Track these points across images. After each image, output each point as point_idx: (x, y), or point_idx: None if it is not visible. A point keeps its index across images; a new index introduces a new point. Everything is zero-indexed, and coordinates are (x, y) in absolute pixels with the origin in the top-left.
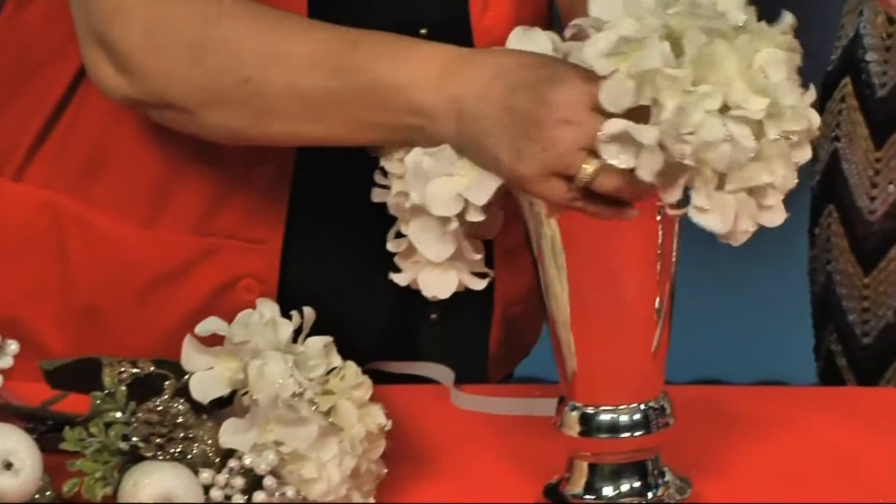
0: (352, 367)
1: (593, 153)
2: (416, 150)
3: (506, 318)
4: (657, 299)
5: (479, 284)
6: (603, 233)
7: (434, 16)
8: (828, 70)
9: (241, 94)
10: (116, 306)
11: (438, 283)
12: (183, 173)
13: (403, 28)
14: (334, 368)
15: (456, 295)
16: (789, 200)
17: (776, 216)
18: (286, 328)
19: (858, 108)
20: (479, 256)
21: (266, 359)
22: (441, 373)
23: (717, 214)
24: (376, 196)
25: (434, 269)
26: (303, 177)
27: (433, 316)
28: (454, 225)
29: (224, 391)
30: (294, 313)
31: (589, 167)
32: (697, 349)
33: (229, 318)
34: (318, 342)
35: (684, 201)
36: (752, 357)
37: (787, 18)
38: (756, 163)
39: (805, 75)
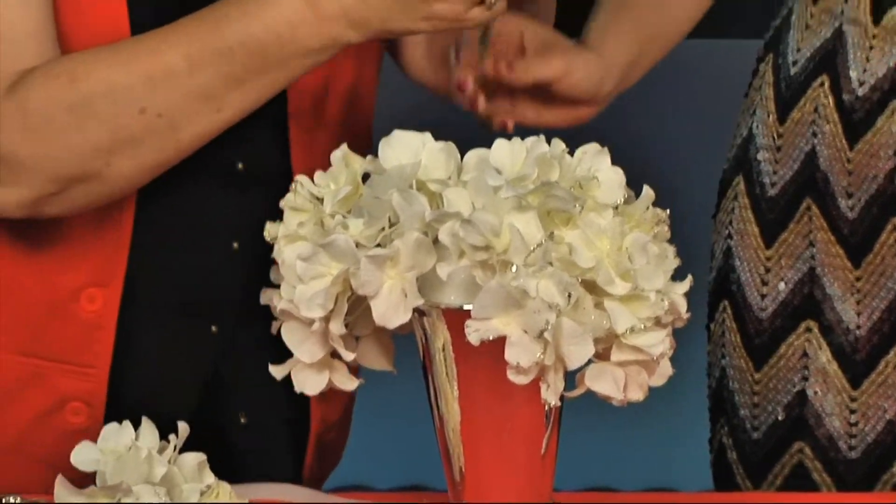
0: (225, 488)
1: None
2: (292, 250)
3: (320, 443)
4: (546, 405)
5: (351, 385)
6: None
7: (251, 156)
8: (724, 168)
9: (143, 125)
10: None
11: (309, 380)
12: (10, 296)
13: (220, 160)
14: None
15: (274, 414)
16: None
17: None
18: (161, 466)
19: (749, 207)
20: (351, 356)
21: (138, 496)
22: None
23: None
24: (264, 298)
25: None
26: (132, 303)
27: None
28: (317, 326)
29: None
30: (172, 437)
31: None
32: (587, 455)
33: (56, 440)
34: (192, 459)
35: None
36: (643, 463)
37: (647, 191)
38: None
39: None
